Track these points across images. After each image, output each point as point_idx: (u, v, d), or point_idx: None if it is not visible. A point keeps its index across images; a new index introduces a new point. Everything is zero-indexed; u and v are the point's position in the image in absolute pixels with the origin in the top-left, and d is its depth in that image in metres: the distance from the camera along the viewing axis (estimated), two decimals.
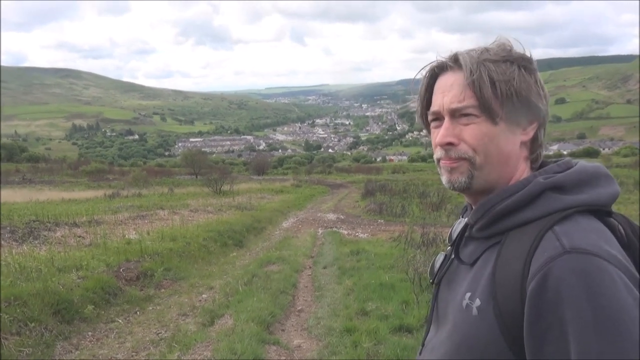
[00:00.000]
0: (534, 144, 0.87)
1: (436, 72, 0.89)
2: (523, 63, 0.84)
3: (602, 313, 0.66)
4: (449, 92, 0.85)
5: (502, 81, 0.81)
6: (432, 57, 0.90)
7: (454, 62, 0.86)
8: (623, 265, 0.71)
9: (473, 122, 0.83)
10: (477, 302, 0.80)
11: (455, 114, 0.84)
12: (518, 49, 0.86)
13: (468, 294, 0.82)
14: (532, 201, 0.81)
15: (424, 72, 0.91)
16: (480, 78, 0.81)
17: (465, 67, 0.83)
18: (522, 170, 0.87)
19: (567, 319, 0.68)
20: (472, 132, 0.83)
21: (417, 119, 0.94)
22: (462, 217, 0.99)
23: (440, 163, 0.88)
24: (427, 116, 0.91)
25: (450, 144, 0.85)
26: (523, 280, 0.74)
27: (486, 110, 0.82)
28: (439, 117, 0.88)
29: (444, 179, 0.88)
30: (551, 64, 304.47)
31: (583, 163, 0.86)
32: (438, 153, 0.88)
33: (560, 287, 0.69)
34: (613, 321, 0.66)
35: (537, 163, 0.89)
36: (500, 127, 0.83)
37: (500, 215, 0.83)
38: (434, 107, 0.88)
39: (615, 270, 0.69)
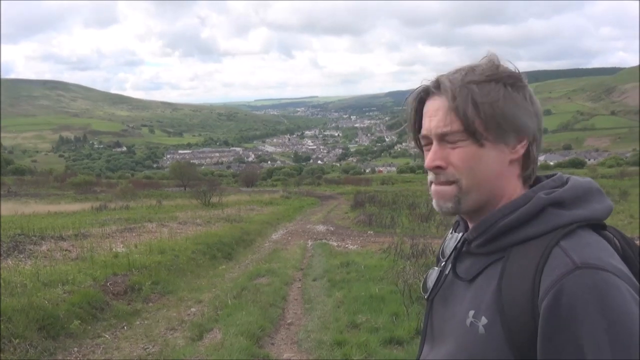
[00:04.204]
0: (526, 161, 0.87)
1: (423, 96, 0.90)
2: (510, 81, 0.84)
3: (615, 327, 0.69)
4: (435, 116, 0.86)
5: (485, 103, 0.81)
6: (419, 69, 0.96)
7: (437, 87, 0.86)
8: (628, 277, 0.74)
9: (459, 145, 0.84)
10: (484, 320, 0.79)
11: (443, 138, 0.85)
12: (507, 64, 0.86)
13: (472, 312, 0.81)
14: (535, 217, 0.81)
15: (411, 98, 0.92)
16: (462, 102, 0.82)
17: (447, 92, 0.84)
18: (515, 187, 0.87)
19: (583, 334, 0.70)
20: (459, 155, 0.84)
21: (409, 142, 0.95)
22: (454, 232, 0.98)
23: (431, 188, 0.89)
24: (419, 140, 0.92)
25: (438, 167, 0.86)
26: (534, 297, 0.74)
27: (471, 133, 0.83)
28: (429, 141, 0.89)
29: (433, 203, 0.90)
30: (537, 76, 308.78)
31: (575, 178, 0.86)
32: (430, 176, 0.89)
33: (574, 303, 0.70)
34: (624, 333, 0.69)
35: (531, 179, 0.89)
36: (487, 148, 0.83)
37: (503, 231, 0.83)
38: (423, 131, 0.89)
39: (622, 284, 0.72)
